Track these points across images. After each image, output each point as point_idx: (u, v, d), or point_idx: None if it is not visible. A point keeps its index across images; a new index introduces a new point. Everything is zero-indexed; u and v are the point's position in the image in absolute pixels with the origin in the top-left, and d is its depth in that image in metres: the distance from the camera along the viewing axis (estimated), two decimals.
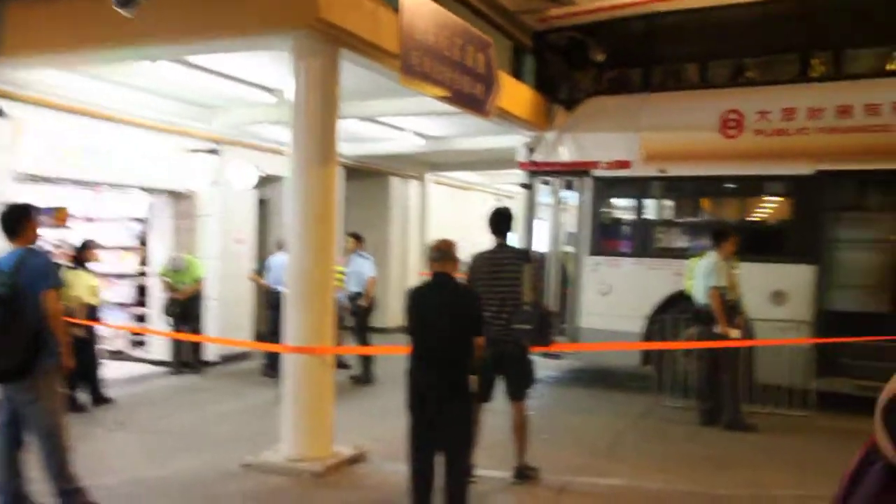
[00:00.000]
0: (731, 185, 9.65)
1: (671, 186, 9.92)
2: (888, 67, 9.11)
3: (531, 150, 10.36)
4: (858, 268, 9.23)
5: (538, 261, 5.86)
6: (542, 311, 5.79)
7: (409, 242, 16.21)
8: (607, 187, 10.01)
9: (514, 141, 11.04)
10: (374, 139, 12.68)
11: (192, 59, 8.17)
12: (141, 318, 11.48)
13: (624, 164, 9.70)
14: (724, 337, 7.72)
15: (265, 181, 11.70)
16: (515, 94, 9.34)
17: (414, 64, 6.70)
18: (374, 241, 15.19)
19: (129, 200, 11.17)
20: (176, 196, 10.93)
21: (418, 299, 4.89)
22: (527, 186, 10.35)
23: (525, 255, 5.88)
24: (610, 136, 9.88)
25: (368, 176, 15.19)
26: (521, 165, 10.43)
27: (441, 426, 4.68)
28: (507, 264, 5.80)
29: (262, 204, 12.41)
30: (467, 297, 4.92)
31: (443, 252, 4.86)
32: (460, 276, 5.05)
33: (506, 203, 21.01)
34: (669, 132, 9.54)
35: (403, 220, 16.15)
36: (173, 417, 8.08)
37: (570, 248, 10.26)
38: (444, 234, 15.00)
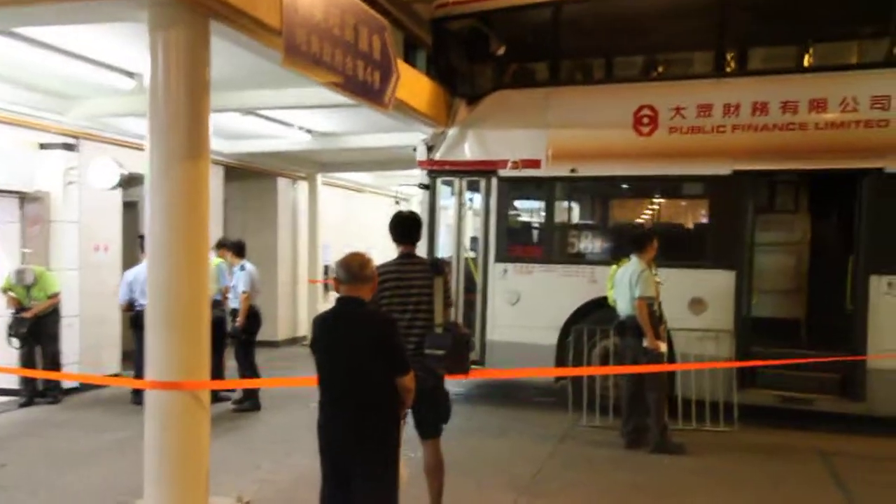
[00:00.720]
0: (647, 186, 9.09)
1: (583, 187, 9.30)
2: (805, 63, 8.76)
3: (430, 147, 9.49)
4: (778, 272, 8.88)
5: (449, 273, 4.95)
6: (458, 333, 4.91)
7: (299, 248, 15.06)
8: (514, 188, 9.27)
9: (412, 139, 10.16)
10: (256, 135, 11.52)
11: (36, 34, 6.88)
12: None
13: (532, 164, 8.98)
14: (652, 353, 7.09)
15: (132, 181, 10.32)
16: (414, 85, 8.45)
17: (300, 43, 5.71)
18: (260, 247, 14.01)
19: None
20: (24, 198, 9.46)
21: (322, 331, 3.93)
22: (426, 187, 9.48)
23: (436, 266, 4.98)
24: (516, 133, 9.14)
25: (252, 177, 13.98)
26: (420, 164, 9.55)
27: (355, 487, 3.74)
28: (415, 278, 4.90)
29: (129, 207, 11.01)
30: (384, 326, 3.97)
31: (353, 272, 3.91)
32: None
33: (403, 206, 20.19)
34: (579, 129, 8.88)
35: (293, 225, 14.99)
36: (13, 466, 6.73)
37: (474, 254, 9.47)
38: (337, 238, 14.19)
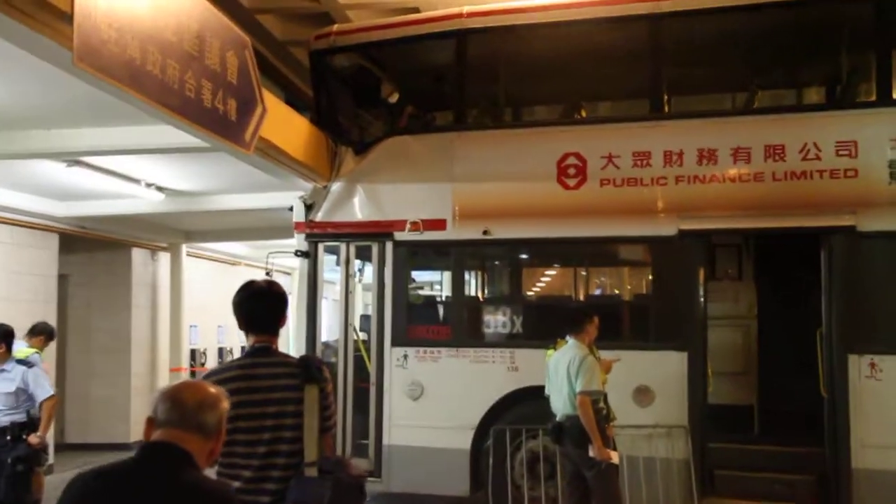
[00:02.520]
0: (575, 251, 7.55)
1: (498, 253, 7.70)
2: (756, 104, 7.56)
3: (310, 206, 7.70)
4: (725, 350, 7.47)
5: (328, 379, 3.11)
6: (344, 478, 3.06)
7: (159, 331, 12.75)
8: (415, 255, 7.58)
9: (290, 199, 8.39)
10: (96, 195, 9.39)
11: None
12: None
13: (436, 225, 7.32)
14: (600, 465, 5.41)
15: None
16: (288, 126, 6.69)
17: (104, 40, 3.88)
18: (110, 329, 11.75)
19: None
20: None
21: None
22: (304, 254, 7.65)
23: (308, 368, 3.15)
24: (415, 188, 7.49)
25: (100, 247, 11.72)
26: (297, 227, 7.73)
27: None
28: (274, 388, 3.06)
29: None
30: None
31: (185, 411, 2.13)
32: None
33: (285, 282, 18.14)
34: (492, 182, 7.32)
35: (152, 304, 12.69)
36: None
37: (365, 337, 7.64)
38: (207, 319, 12.00)
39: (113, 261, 12.12)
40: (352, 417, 7.43)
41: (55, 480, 7.59)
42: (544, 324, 7.26)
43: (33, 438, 6.37)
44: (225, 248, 14.54)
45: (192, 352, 13.68)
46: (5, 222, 9.41)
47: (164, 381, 12.67)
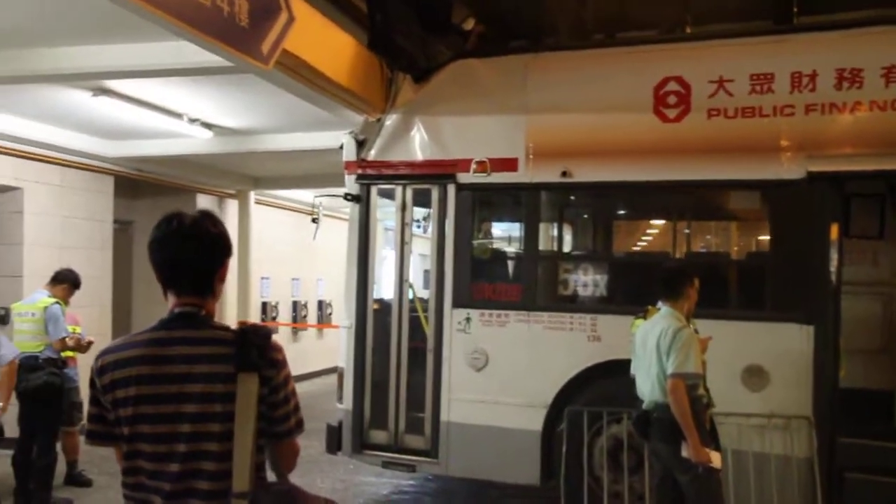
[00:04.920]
0: (673, 197, 6.23)
1: (580, 199, 6.48)
2: None
3: (361, 143, 6.66)
4: (874, 325, 6.08)
5: (282, 365, 2.05)
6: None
7: (225, 283, 12.09)
8: (481, 201, 6.44)
9: (338, 139, 7.40)
10: (142, 133, 8.62)
11: None
12: None
13: (506, 165, 6.15)
14: (697, 468, 4.23)
15: None
16: (327, 41, 5.61)
17: None
18: None
19: None
20: None
21: None
22: (355, 199, 6.63)
23: (245, 348, 2.09)
24: (483, 122, 6.33)
25: (165, 193, 11.09)
26: (347, 167, 6.71)
27: None
28: (197, 377, 2.03)
29: None
30: None
31: None
32: None
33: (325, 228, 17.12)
34: (573, 114, 6.08)
35: None
36: None
37: (424, 295, 6.60)
38: (281, 270, 11.13)
39: (178, 208, 11.43)
40: (405, 388, 6.44)
41: None
42: (634, 286, 6.04)
43: None
44: (298, 196, 13.75)
45: (263, 305, 13.06)
46: (55, 162, 8.79)
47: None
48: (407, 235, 6.54)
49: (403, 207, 6.51)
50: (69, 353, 6.54)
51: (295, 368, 2.41)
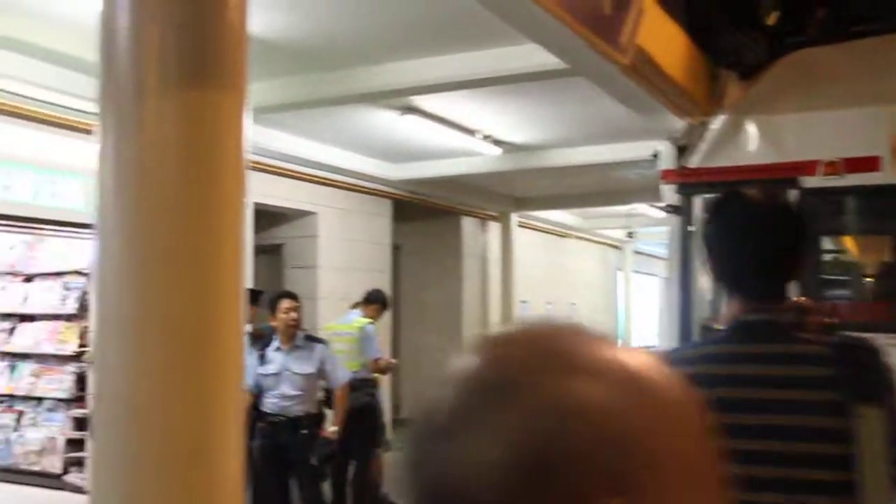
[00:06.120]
0: None
1: None
2: None
3: (682, 149, 6.07)
4: None
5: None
6: None
7: (489, 305, 11.95)
8: (833, 207, 5.62)
9: (644, 150, 6.89)
10: (427, 154, 8.57)
11: None
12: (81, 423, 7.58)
13: (864, 164, 5.30)
14: None
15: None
16: (664, 35, 5.11)
17: None
18: (441, 303, 11.15)
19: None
20: None
21: None
22: (675, 210, 6.04)
23: (862, 372, 1.55)
24: (831, 118, 5.51)
25: (430, 216, 11.15)
26: (666, 176, 6.14)
27: None
28: (789, 405, 1.53)
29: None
30: None
31: None
32: None
33: (610, 256, 16.46)
34: None
35: (482, 276, 11.93)
36: None
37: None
38: (536, 293, 10.66)
39: (442, 230, 11.52)
40: None
41: (392, 458, 6.93)
42: None
43: (330, 433, 5.47)
44: (554, 218, 13.39)
45: None
46: (342, 186, 9.00)
47: None
48: None
49: None
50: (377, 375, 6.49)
51: None
